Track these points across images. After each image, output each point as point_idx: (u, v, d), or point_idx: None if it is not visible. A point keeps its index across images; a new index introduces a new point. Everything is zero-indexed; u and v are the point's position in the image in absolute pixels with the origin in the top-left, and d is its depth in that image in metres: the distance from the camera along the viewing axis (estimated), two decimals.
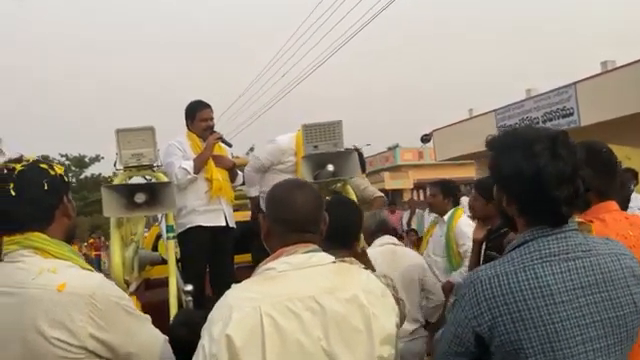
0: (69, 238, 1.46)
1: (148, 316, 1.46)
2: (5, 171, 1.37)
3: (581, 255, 1.24)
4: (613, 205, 1.78)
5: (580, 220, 1.39)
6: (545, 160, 1.22)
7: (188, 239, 3.61)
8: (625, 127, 10.16)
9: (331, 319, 1.25)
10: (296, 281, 1.29)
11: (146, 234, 4.79)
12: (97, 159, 34.50)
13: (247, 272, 4.52)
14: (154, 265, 4.52)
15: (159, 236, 5.33)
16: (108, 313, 1.29)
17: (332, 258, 1.38)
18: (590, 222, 1.64)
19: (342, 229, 1.79)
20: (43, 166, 1.42)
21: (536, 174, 1.22)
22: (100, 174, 33.23)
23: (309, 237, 1.38)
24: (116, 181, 3.11)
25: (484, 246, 2.72)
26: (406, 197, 19.19)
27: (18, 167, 1.38)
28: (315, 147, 3.33)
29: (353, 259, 1.55)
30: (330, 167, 3.30)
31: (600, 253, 1.26)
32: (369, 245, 2.98)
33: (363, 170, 4.66)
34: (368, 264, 1.85)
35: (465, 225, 3.66)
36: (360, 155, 4.62)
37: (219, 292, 4.06)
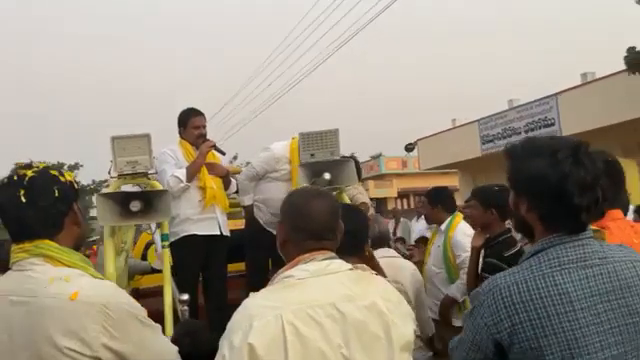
0: (78, 246, 1.44)
1: (159, 326, 1.43)
2: (15, 177, 1.34)
3: (598, 262, 1.26)
4: (619, 214, 1.81)
5: (595, 228, 1.41)
6: (569, 167, 1.23)
7: (181, 248, 3.56)
8: (604, 137, 10.40)
9: (351, 326, 1.25)
10: (316, 288, 1.28)
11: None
12: (76, 167, 34.03)
13: (240, 281, 4.46)
14: (144, 274, 4.46)
15: (148, 245, 5.26)
16: (122, 323, 1.27)
17: (349, 265, 1.38)
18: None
19: (352, 235, 1.79)
20: (53, 172, 1.39)
21: (560, 181, 1.23)
22: (79, 182, 32.65)
23: (326, 244, 1.38)
24: (110, 189, 3.06)
25: (482, 253, 2.74)
26: (390, 206, 19.28)
27: (29, 173, 1.35)
28: (312, 155, 3.33)
29: (365, 266, 1.55)
30: (327, 175, 3.30)
31: (616, 260, 1.28)
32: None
33: (359, 178, 4.67)
34: (377, 268, 1.86)
35: (461, 234, 3.56)
36: (357, 163, 4.63)
37: (212, 301, 4.02)
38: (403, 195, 24.31)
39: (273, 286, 1.33)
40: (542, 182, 1.26)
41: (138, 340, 1.30)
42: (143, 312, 1.36)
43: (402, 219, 10.56)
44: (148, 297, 4.22)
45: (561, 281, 1.22)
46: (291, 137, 3.96)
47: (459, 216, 3.70)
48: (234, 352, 1.19)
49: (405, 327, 1.33)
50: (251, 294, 1.32)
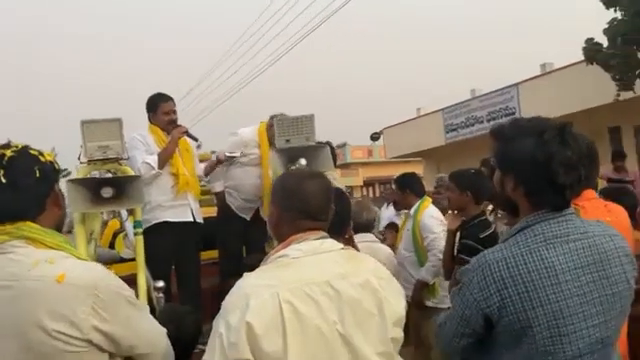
0: (59, 228, 1.39)
1: (148, 307, 1.41)
2: None
3: (580, 237, 1.32)
4: (592, 193, 1.89)
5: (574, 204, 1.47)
6: (556, 147, 1.28)
7: (153, 235, 3.49)
8: None
9: (345, 303, 1.27)
10: (310, 267, 1.30)
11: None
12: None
13: (213, 269, 4.43)
14: (111, 264, 4.36)
15: (116, 233, 5.13)
16: (111, 304, 1.25)
17: (341, 245, 1.40)
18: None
19: (337, 217, 1.81)
20: (33, 152, 1.34)
21: (547, 160, 1.28)
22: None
23: (319, 225, 1.40)
24: (80, 174, 2.96)
25: (459, 235, 2.80)
26: (356, 194, 19.46)
27: (8, 153, 1.29)
28: (287, 141, 3.31)
29: (349, 247, 1.57)
30: (302, 161, 3.28)
31: (596, 234, 1.34)
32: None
33: (334, 163, 4.68)
34: (356, 250, 1.88)
35: (428, 217, 3.66)
36: (332, 149, 4.64)
37: (185, 289, 3.98)
38: (369, 184, 24.55)
39: (267, 266, 1.33)
40: (530, 161, 1.31)
41: (128, 321, 1.28)
42: (131, 293, 1.33)
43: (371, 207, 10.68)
44: None
45: (547, 255, 1.27)
46: (259, 121, 3.94)
47: (427, 200, 3.79)
48: (231, 331, 1.18)
49: (397, 304, 1.37)
50: (245, 274, 1.32)
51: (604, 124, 11.38)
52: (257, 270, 1.32)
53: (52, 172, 1.37)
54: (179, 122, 3.71)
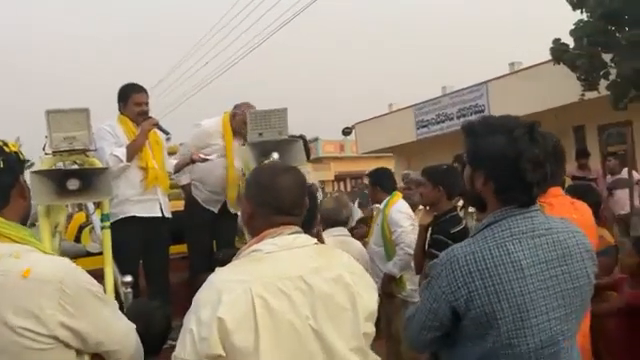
0: (24, 221, 1.35)
1: (116, 302, 1.38)
2: None
3: (544, 232, 1.36)
4: (559, 190, 1.94)
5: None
6: (525, 145, 1.32)
7: (121, 230, 3.41)
8: None
9: (318, 298, 1.27)
10: (283, 262, 1.29)
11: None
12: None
13: (182, 263, 4.37)
14: (77, 258, 4.24)
15: (82, 227, 5.00)
16: (79, 300, 1.22)
17: (314, 240, 1.39)
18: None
19: (307, 212, 1.80)
20: None
21: (516, 158, 1.31)
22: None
23: (293, 219, 1.39)
24: (44, 165, 2.87)
25: (430, 230, 2.83)
26: (328, 188, 19.50)
27: None
28: (260, 135, 3.28)
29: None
30: (275, 155, 3.27)
31: (559, 231, 1.39)
32: (324, 230, 3.01)
33: (308, 157, 4.67)
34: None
35: (396, 212, 3.70)
36: (305, 143, 4.62)
37: (154, 284, 3.91)
38: (340, 178, 24.64)
39: (239, 260, 1.32)
40: (500, 158, 1.34)
41: (96, 317, 1.25)
42: (99, 288, 1.30)
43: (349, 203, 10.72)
44: None
45: (513, 250, 1.31)
46: (223, 112, 3.90)
47: (397, 195, 3.84)
48: (203, 327, 1.17)
49: (369, 298, 1.37)
50: (217, 269, 1.30)
51: (569, 123, 11.72)
52: (229, 265, 1.31)
53: (16, 163, 1.33)
54: (150, 114, 3.64)
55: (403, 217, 3.64)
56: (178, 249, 4.05)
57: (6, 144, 1.31)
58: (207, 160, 3.69)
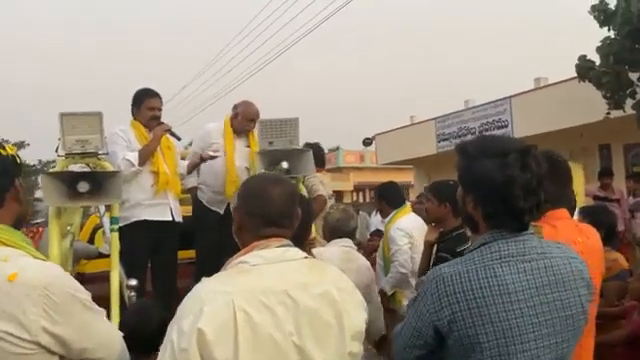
0: (18, 225, 1.36)
1: (104, 310, 1.38)
2: None
3: (536, 257, 1.32)
4: (564, 213, 1.87)
5: (534, 224, 1.47)
6: (516, 171, 1.28)
7: (131, 233, 3.46)
8: (553, 141, 10.81)
9: (303, 314, 1.25)
10: (269, 275, 1.27)
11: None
12: (22, 145, 32.40)
13: (190, 268, 4.39)
14: (90, 259, 4.30)
15: (97, 228, 5.07)
16: (64, 306, 1.22)
17: (304, 254, 1.37)
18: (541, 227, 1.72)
19: (300, 224, 1.78)
20: None
21: (506, 184, 1.28)
22: (24, 161, 31.26)
23: (282, 231, 1.36)
24: (57, 168, 2.93)
25: (435, 248, 2.78)
26: (347, 199, 19.44)
27: None
28: (270, 143, 3.30)
29: (317, 252, 1.54)
30: (284, 164, 3.28)
31: (553, 256, 1.34)
32: (328, 241, 2.99)
33: (322, 165, 4.67)
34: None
35: (394, 229, 3.66)
36: (320, 151, 4.63)
37: (161, 288, 3.94)
38: (359, 189, 24.55)
39: (226, 271, 1.30)
40: (489, 183, 1.31)
41: (81, 324, 1.25)
42: (87, 296, 1.30)
43: (361, 212, 10.67)
44: (94, 282, 4.06)
45: (501, 273, 1.27)
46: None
47: (402, 212, 3.79)
48: (183, 337, 1.16)
49: (357, 316, 1.34)
50: (203, 279, 1.29)
51: (595, 141, 11.46)
52: (215, 275, 1.30)
53: (12, 166, 1.34)
54: (162, 120, 3.69)
55: (400, 235, 3.61)
56: (186, 254, 4.07)
57: (3, 147, 1.33)
58: (215, 157, 3.72)
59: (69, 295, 1.24)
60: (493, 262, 1.28)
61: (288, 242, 1.36)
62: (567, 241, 1.78)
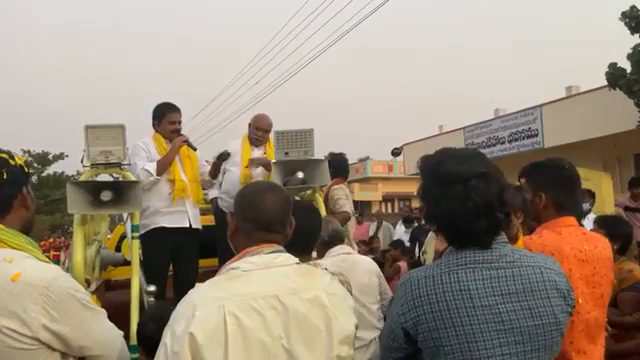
0: (26, 230, 1.45)
1: (104, 310, 1.45)
2: None
3: (504, 265, 1.33)
4: (571, 220, 1.86)
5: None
6: (456, 203, 1.31)
7: (150, 240, 3.59)
8: (585, 150, 10.55)
9: (293, 318, 1.29)
10: (260, 280, 1.31)
11: (109, 235, 4.71)
12: (61, 157, 33.48)
13: (212, 276, 4.48)
14: (117, 266, 4.44)
15: (123, 237, 5.23)
16: (63, 305, 1.29)
17: (296, 259, 1.41)
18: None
19: (303, 235, 1.78)
20: (3, 155, 1.42)
21: (449, 213, 1.33)
22: (63, 172, 32.35)
23: (275, 237, 1.41)
24: (82, 177, 3.07)
25: None
26: (374, 209, 19.36)
27: None
28: (286, 154, 3.37)
29: (318, 262, 1.57)
30: (300, 174, 3.34)
31: (523, 265, 1.35)
32: (322, 256, 2.94)
33: (345, 177, 4.71)
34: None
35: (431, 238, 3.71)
36: (344, 162, 4.68)
37: (181, 294, 4.04)
38: (388, 199, 24.40)
39: (218, 277, 1.36)
40: (440, 211, 1.35)
41: (79, 323, 1.32)
42: (87, 296, 1.38)
43: (385, 223, 10.65)
44: (119, 288, 4.21)
45: (464, 278, 1.30)
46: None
47: None
48: (175, 341, 1.21)
49: (346, 321, 1.37)
50: (197, 285, 1.35)
51: (630, 150, 11.12)
52: (209, 281, 1.35)
53: (21, 175, 1.44)
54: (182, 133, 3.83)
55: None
56: (209, 262, 4.17)
57: (12, 157, 1.43)
58: (229, 154, 3.85)
59: (68, 294, 1.31)
60: (458, 267, 1.31)
61: (280, 248, 1.40)
62: (572, 248, 1.77)
